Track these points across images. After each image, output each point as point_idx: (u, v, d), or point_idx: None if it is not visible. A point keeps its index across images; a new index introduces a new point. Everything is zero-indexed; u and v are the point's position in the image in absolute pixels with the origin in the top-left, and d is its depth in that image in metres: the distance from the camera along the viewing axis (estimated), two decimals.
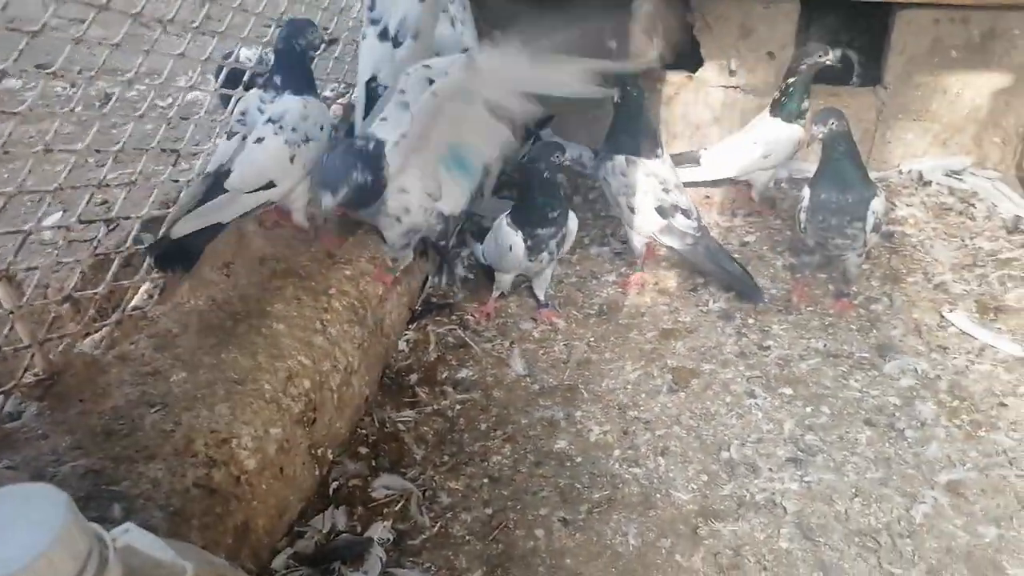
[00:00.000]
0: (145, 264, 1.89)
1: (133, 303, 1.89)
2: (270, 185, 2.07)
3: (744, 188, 3.21)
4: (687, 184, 2.78)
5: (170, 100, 3.54)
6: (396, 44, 2.48)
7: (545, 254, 2.46)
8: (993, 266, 2.84)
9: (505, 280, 2.58)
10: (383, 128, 2.14)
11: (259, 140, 2.07)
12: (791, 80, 2.90)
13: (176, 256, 1.94)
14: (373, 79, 2.51)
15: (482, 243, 2.65)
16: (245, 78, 2.48)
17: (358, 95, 2.54)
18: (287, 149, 2.09)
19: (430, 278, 2.73)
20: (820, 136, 2.42)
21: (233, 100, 2.39)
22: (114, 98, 2.00)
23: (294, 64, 2.19)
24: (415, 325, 2.57)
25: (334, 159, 2.04)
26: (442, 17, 2.71)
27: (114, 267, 1.78)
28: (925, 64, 3.33)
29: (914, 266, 2.87)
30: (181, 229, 1.90)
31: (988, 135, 3.39)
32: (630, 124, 2.65)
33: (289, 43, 2.19)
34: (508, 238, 2.41)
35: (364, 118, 2.43)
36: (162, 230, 1.92)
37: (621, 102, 2.65)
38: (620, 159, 2.65)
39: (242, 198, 2.03)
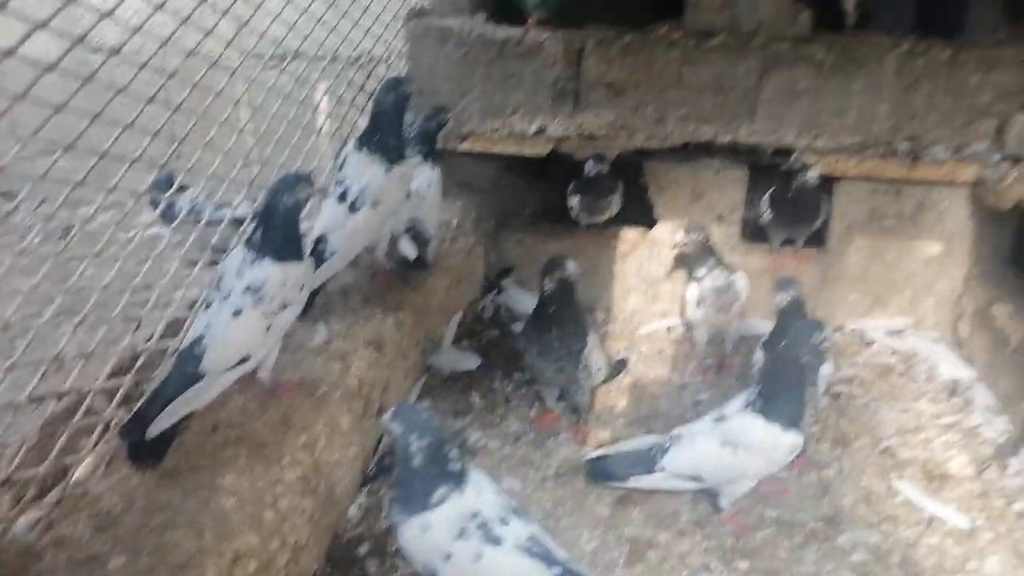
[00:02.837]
0: (93, 437, 1.85)
1: (75, 478, 1.83)
2: (245, 359, 2.03)
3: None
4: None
5: (132, 233, 3.58)
6: (353, 209, 2.56)
7: None
8: (936, 431, 2.92)
9: None
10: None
11: (236, 313, 2.00)
12: None
13: (148, 448, 1.88)
14: (322, 239, 2.57)
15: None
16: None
17: None
18: (263, 320, 2.04)
19: (385, 436, 2.70)
20: (783, 304, 2.53)
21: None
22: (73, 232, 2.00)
23: (278, 223, 2.07)
24: (368, 489, 2.52)
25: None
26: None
27: (61, 442, 1.73)
28: (864, 230, 3.54)
29: (861, 430, 2.94)
30: (156, 429, 1.85)
31: (924, 298, 3.58)
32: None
33: (274, 199, 2.07)
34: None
35: None
36: (133, 415, 1.87)
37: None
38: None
39: (218, 379, 1.98)
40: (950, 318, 3.52)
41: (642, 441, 2.61)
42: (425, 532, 1.78)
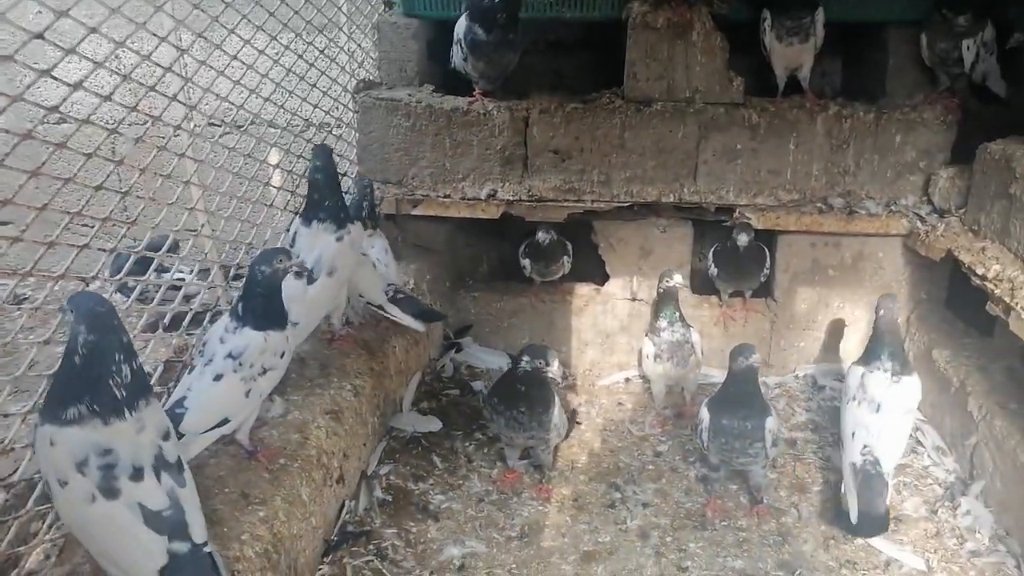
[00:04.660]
0: (44, 525, 1.80)
1: (28, 567, 1.77)
2: (224, 421, 2.09)
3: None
4: None
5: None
6: (310, 281, 2.57)
7: None
8: None
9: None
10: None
11: (217, 377, 2.09)
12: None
13: None
14: None
15: None
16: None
17: None
18: (243, 385, 2.12)
19: (347, 503, 2.67)
20: (741, 367, 2.60)
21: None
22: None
23: (259, 294, 2.18)
24: (330, 558, 2.48)
25: None
26: (364, 260, 2.86)
27: (10, 535, 1.69)
28: (807, 281, 3.68)
29: (817, 474, 3.01)
30: None
31: None
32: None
33: (255, 271, 2.17)
34: None
35: None
36: None
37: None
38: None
39: (196, 440, 2.03)
40: None
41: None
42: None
